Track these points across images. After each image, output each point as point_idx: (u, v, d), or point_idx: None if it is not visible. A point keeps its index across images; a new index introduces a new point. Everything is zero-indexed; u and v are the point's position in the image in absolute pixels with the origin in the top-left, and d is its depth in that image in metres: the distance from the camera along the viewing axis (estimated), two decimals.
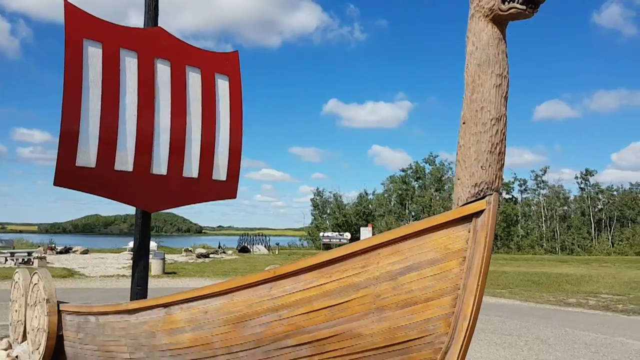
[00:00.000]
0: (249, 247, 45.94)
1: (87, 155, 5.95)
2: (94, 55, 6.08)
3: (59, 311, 4.52)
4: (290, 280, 3.20)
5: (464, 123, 2.95)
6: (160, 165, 6.59)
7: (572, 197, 79.45)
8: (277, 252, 43.35)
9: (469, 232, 2.89)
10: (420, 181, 75.59)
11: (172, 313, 3.57)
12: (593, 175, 79.11)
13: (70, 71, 5.84)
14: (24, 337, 5.06)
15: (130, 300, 6.31)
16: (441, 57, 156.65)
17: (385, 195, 77.03)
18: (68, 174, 5.77)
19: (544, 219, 74.62)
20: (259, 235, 50.07)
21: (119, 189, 6.23)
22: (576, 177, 79.27)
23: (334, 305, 3.13)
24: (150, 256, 27.04)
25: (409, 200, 72.59)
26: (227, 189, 7.32)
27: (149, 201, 6.56)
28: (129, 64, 6.39)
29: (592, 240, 71.96)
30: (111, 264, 28.23)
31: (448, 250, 2.93)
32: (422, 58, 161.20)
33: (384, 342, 3.08)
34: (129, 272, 23.69)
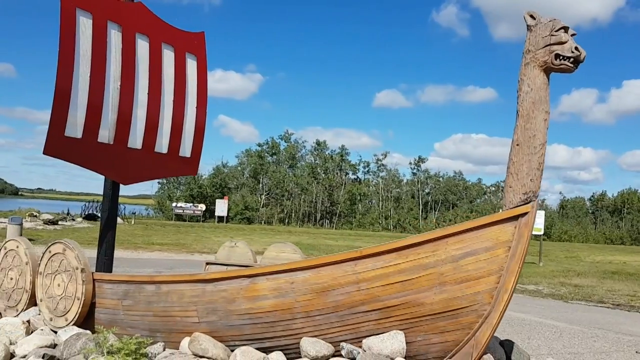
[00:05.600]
0: (99, 214, 43.60)
1: (75, 126, 5.94)
2: (84, 25, 6.03)
3: (94, 280, 4.72)
4: (372, 259, 3.94)
5: (517, 145, 3.90)
6: (136, 139, 6.71)
7: (404, 181, 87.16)
8: (133, 222, 41.84)
9: (515, 228, 3.88)
10: (275, 157, 77.48)
11: (256, 282, 4.10)
12: (424, 162, 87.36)
13: (65, 40, 5.78)
14: (30, 305, 5.10)
15: (96, 270, 6.45)
16: (293, 34, 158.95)
17: (239, 168, 77.73)
18: (57, 144, 5.76)
19: (381, 199, 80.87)
20: None
21: (100, 161, 6.30)
22: (410, 163, 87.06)
23: (405, 280, 3.93)
24: (6, 221, 24.84)
25: (263, 175, 74.03)
26: (190, 166, 7.60)
27: (123, 174, 6.69)
28: (115, 37, 6.40)
29: (419, 220, 79.58)
30: None
31: (498, 240, 3.89)
32: (274, 31, 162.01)
33: (440, 309, 3.97)
34: None
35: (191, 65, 7.53)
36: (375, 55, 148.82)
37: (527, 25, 3.99)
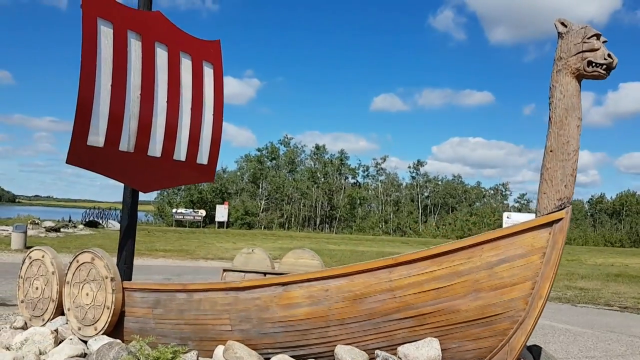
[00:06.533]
0: (100, 221, 43.59)
1: (97, 135, 5.95)
2: (106, 35, 6.06)
3: (123, 289, 4.73)
4: (407, 266, 3.95)
5: (551, 151, 3.92)
6: (155, 147, 6.72)
7: (404, 185, 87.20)
8: None
9: (550, 234, 3.89)
10: (275, 162, 77.49)
11: (290, 290, 4.12)
12: (423, 165, 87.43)
13: (87, 50, 5.80)
14: (56, 314, 5.10)
15: None
16: (291, 39, 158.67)
17: (239, 173, 77.71)
18: (80, 153, 5.77)
19: (381, 203, 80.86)
20: (110, 209, 47.66)
21: (121, 170, 6.31)
22: (409, 167, 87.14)
23: (440, 288, 3.95)
24: (9, 229, 24.80)
25: (262, 180, 74.01)
26: (207, 173, 7.64)
27: (143, 182, 6.70)
28: (135, 46, 6.43)
29: (419, 224, 79.59)
30: None
31: (533, 247, 3.91)
32: (272, 37, 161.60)
33: (475, 316, 3.98)
34: None
35: (208, 74, 7.56)
36: (373, 59, 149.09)
37: (558, 33, 4.02)
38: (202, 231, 48.24)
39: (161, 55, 6.79)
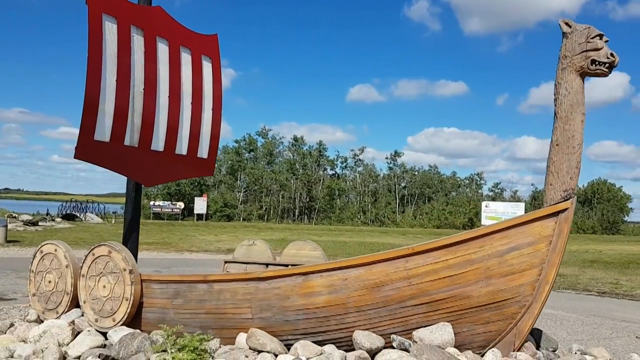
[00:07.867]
0: (78, 214, 43.07)
1: (103, 130, 6.02)
2: (110, 30, 6.11)
3: (142, 280, 4.85)
4: (423, 255, 4.17)
5: (557, 145, 4.16)
6: (158, 142, 6.81)
7: (381, 175, 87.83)
8: (113, 222, 41.40)
9: (556, 223, 4.14)
10: (253, 153, 77.27)
11: (310, 279, 4.30)
12: (400, 156, 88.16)
13: (93, 46, 5.85)
14: (71, 307, 5.19)
15: None
16: (267, 29, 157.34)
17: (216, 165, 77.05)
18: (88, 148, 5.83)
19: (359, 194, 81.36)
20: (88, 202, 47.10)
21: (126, 164, 6.38)
22: (386, 158, 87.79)
23: (454, 275, 4.17)
24: None
25: (241, 172, 73.76)
26: (207, 166, 7.76)
27: (147, 176, 6.79)
28: (138, 41, 6.48)
29: (396, 214, 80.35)
30: None
31: (540, 235, 4.15)
32: (247, 26, 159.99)
33: (486, 301, 4.21)
34: None
35: (207, 68, 7.64)
36: (349, 50, 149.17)
37: (563, 33, 4.24)
38: (182, 224, 48.04)
39: (162, 50, 6.85)
